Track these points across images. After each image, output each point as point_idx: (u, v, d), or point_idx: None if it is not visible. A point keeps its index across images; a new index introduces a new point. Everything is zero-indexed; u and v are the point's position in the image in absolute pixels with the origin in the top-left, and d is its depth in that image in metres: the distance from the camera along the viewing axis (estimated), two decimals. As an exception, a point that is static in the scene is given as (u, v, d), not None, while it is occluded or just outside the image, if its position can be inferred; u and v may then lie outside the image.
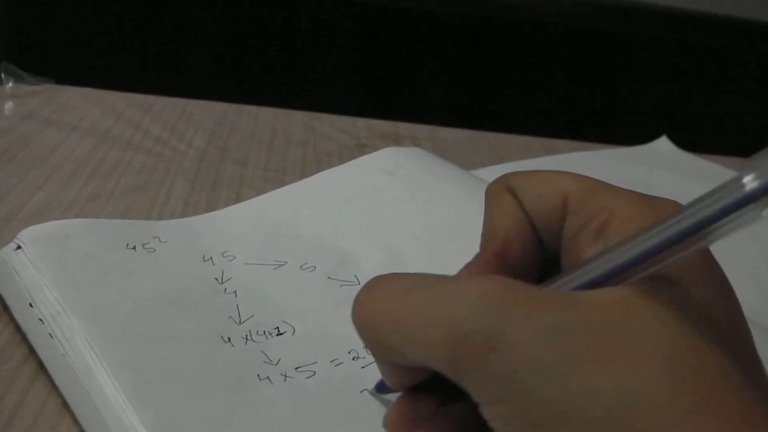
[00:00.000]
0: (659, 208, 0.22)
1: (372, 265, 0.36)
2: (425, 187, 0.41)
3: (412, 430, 0.23)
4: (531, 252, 0.24)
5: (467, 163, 0.58)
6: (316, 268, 0.36)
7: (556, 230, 0.24)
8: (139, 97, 0.63)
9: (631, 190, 0.23)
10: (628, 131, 0.73)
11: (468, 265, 0.24)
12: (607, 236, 0.22)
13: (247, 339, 0.31)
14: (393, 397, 0.25)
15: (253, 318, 0.32)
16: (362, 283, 0.35)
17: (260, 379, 0.29)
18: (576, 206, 0.23)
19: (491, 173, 0.54)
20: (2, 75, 0.60)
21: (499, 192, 0.25)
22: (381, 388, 0.28)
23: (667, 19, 1.24)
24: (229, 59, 1.23)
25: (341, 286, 0.35)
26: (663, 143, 0.67)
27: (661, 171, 0.60)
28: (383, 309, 0.22)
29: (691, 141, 0.67)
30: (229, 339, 0.31)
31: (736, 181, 0.17)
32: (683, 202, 0.23)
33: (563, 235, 0.24)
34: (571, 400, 0.18)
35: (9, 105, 0.58)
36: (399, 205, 0.40)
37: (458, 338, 0.19)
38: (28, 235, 0.35)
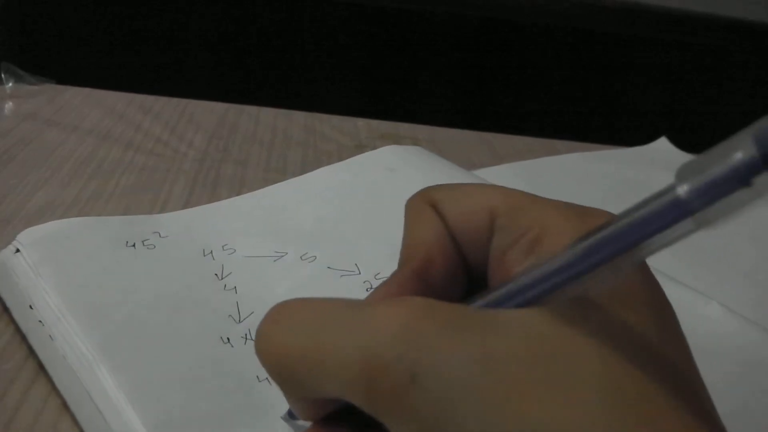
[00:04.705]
0: (591, 222, 0.20)
1: (373, 254, 0.36)
2: (426, 184, 0.41)
3: None
4: (454, 271, 0.22)
5: (467, 163, 0.58)
6: (316, 258, 0.36)
7: (483, 247, 0.22)
8: (139, 98, 0.63)
9: (565, 202, 0.22)
10: (628, 131, 0.73)
11: (384, 284, 0.22)
12: (539, 253, 0.21)
13: (246, 339, 0.31)
14: (307, 424, 0.23)
15: (252, 315, 0.32)
16: (363, 273, 0.36)
17: (259, 381, 0.29)
18: (504, 222, 0.22)
19: (491, 173, 0.54)
20: (2, 75, 0.60)
21: (420, 206, 0.24)
22: (294, 415, 0.25)
23: (667, 19, 1.24)
24: (229, 59, 1.23)
25: (342, 276, 0.35)
26: (662, 144, 0.66)
27: (661, 172, 0.59)
28: (292, 343, 0.19)
29: (691, 141, 0.67)
30: (228, 340, 0.31)
31: (668, 192, 0.16)
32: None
33: (491, 252, 0.22)
34: None
35: (9, 105, 0.58)
36: (399, 199, 0.40)
37: (376, 371, 0.17)
38: (26, 237, 0.34)
